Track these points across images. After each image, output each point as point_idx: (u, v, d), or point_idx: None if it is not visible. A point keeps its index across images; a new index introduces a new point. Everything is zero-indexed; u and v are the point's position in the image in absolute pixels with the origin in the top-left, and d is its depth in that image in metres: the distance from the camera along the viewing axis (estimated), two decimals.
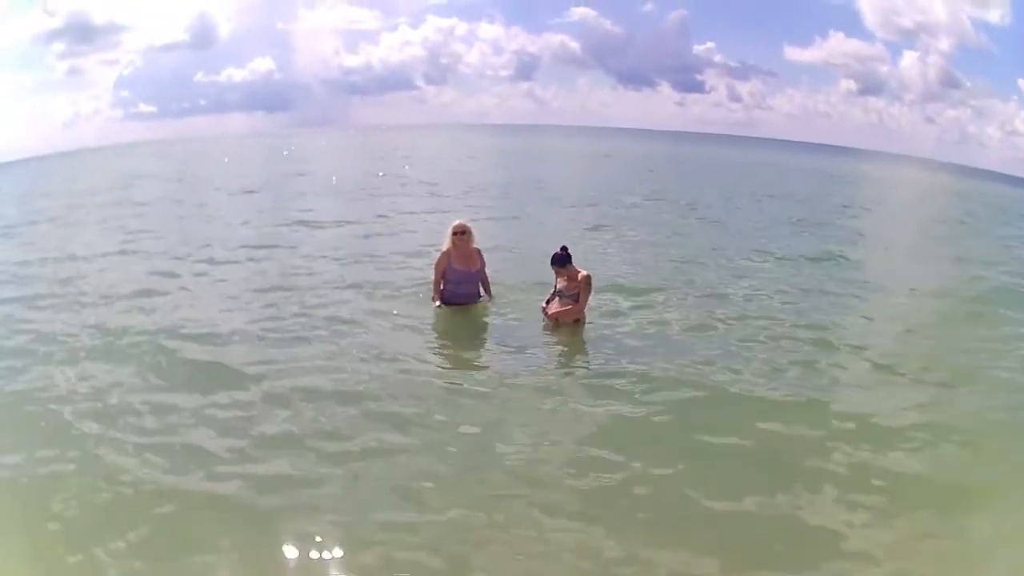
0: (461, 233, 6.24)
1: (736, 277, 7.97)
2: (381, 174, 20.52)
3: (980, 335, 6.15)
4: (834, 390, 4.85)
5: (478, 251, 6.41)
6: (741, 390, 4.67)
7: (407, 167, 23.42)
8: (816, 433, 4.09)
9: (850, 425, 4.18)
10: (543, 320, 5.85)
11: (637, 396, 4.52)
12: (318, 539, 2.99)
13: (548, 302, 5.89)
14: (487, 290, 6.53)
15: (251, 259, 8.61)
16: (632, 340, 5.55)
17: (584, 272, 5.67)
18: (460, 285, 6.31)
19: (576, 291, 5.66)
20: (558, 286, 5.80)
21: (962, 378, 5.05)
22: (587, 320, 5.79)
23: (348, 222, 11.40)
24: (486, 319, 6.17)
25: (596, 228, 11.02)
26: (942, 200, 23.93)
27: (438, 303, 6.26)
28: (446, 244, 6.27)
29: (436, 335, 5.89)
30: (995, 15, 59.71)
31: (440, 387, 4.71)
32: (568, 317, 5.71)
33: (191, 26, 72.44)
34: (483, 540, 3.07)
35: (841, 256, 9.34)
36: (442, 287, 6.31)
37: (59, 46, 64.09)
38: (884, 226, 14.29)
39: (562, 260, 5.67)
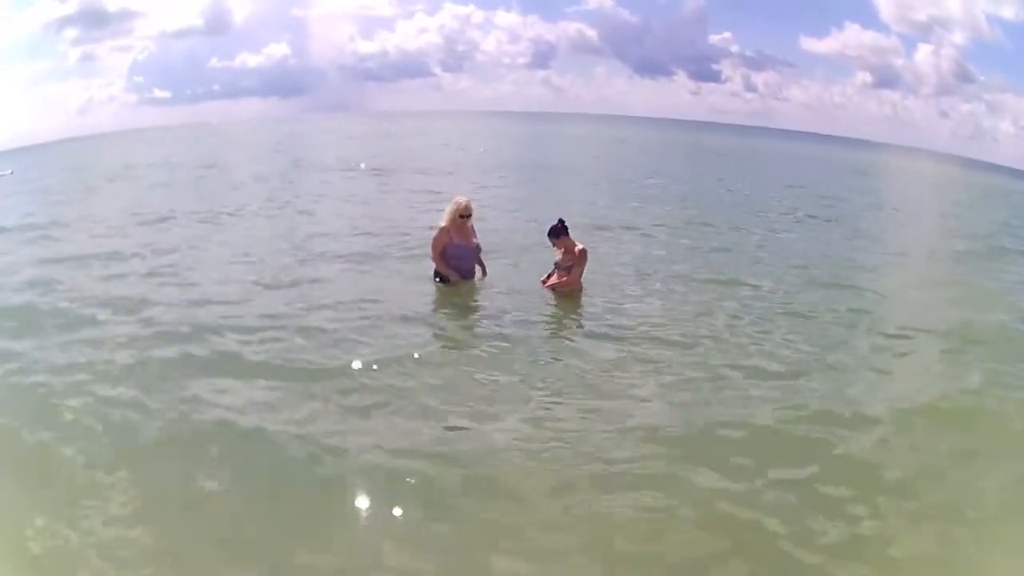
0: (468, 215, 6.27)
1: (754, 263, 8.06)
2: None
3: None
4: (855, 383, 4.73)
5: (471, 227, 6.43)
6: (744, 370, 4.74)
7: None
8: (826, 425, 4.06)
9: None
10: (545, 293, 6.14)
11: (626, 371, 4.67)
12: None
13: (549, 276, 6.26)
14: (482, 267, 6.59)
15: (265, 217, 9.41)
16: (629, 316, 5.75)
17: (580, 245, 5.98)
18: (462, 260, 6.36)
19: (570, 262, 5.98)
20: (556, 259, 6.13)
21: None
22: (584, 291, 6.12)
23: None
24: (484, 294, 6.28)
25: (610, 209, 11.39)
26: (980, 201, 21.97)
27: (440, 278, 6.33)
28: (445, 221, 6.26)
29: (435, 312, 5.98)
30: (1009, 11, 58.88)
31: (436, 363, 4.82)
32: (562, 288, 6.07)
33: (205, 11, 73.40)
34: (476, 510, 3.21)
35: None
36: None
37: (72, 32, 65.05)
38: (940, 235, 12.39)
39: (557, 232, 5.96)
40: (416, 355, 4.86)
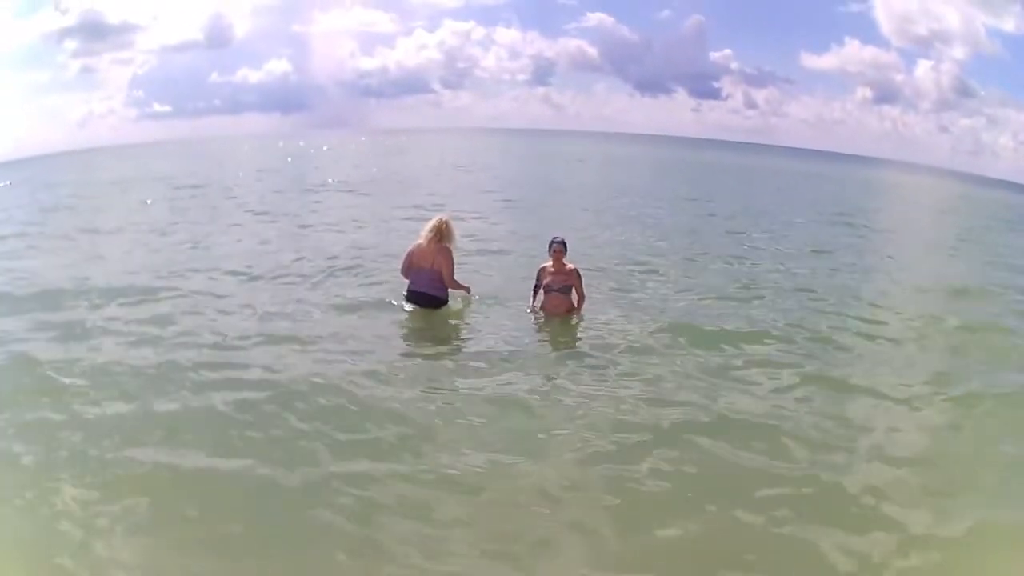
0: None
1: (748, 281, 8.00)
2: None
3: None
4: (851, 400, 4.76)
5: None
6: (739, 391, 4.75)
7: None
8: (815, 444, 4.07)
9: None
10: (532, 315, 6.08)
11: (627, 391, 4.66)
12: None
13: (535, 296, 6.13)
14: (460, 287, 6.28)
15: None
16: (628, 334, 5.77)
17: (571, 265, 5.98)
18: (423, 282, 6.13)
19: (564, 283, 5.95)
20: (546, 280, 5.99)
21: None
22: (580, 313, 6.07)
23: None
24: (479, 316, 6.21)
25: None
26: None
27: (412, 303, 6.14)
28: (452, 243, 6.15)
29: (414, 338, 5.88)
30: (1010, 24, 59.31)
31: (444, 385, 4.85)
32: (560, 310, 6.00)
33: (206, 26, 73.17)
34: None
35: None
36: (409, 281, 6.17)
37: (72, 44, 64.96)
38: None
39: (563, 243, 5.92)
40: (414, 383, 4.83)
